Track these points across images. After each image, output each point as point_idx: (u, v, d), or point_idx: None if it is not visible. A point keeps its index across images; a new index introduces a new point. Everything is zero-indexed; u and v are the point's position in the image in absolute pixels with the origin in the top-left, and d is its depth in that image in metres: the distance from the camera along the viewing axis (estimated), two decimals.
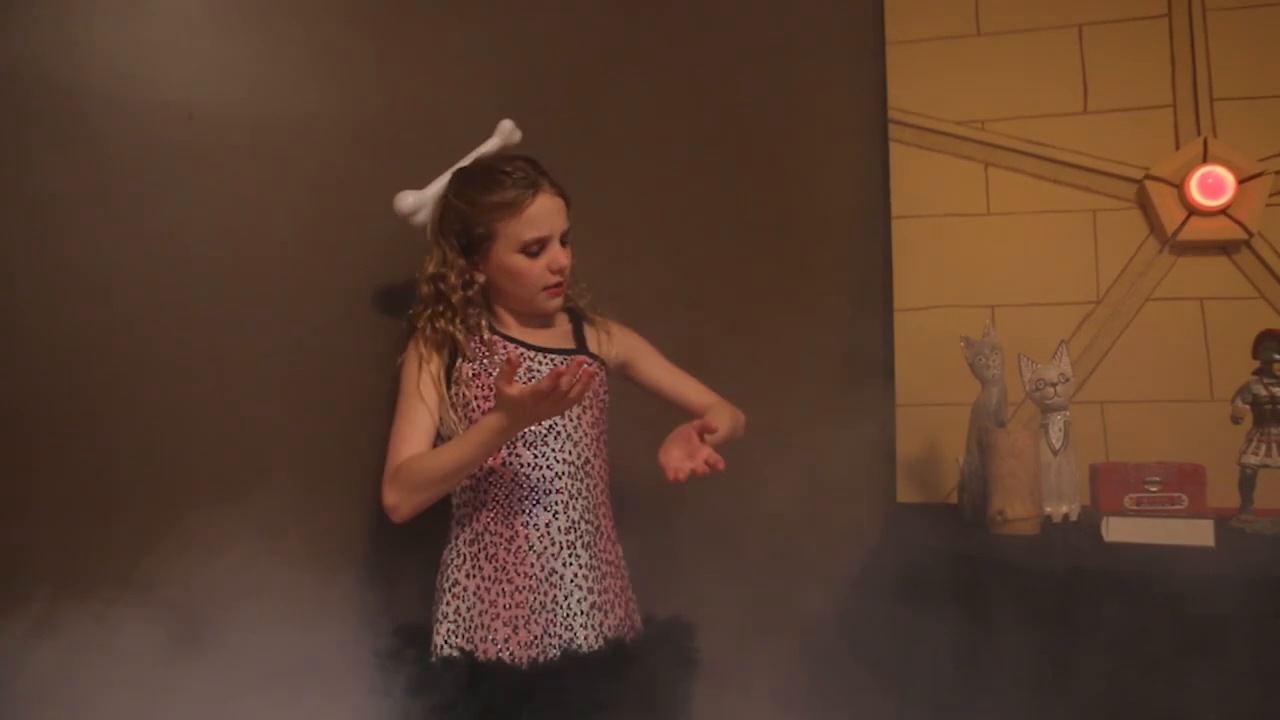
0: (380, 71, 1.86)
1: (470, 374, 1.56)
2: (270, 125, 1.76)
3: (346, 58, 1.83)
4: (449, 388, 1.56)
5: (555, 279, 1.58)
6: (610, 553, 1.63)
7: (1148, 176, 2.15)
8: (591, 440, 1.61)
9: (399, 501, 1.48)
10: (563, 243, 1.58)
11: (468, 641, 1.52)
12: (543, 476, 1.55)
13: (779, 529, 2.02)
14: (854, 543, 2.05)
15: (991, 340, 1.90)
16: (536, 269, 1.55)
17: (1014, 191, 2.25)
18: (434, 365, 1.56)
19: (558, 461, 1.56)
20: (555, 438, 1.56)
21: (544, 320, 1.66)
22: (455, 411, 1.55)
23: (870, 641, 1.81)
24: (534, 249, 1.55)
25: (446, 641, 1.53)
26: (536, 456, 1.55)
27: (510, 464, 1.55)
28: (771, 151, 2.26)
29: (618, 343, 1.73)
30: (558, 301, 1.62)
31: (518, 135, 1.71)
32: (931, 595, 1.61)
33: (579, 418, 1.58)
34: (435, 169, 1.66)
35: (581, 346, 1.67)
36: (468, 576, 1.55)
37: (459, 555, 1.57)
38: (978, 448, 1.86)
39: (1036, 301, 2.20)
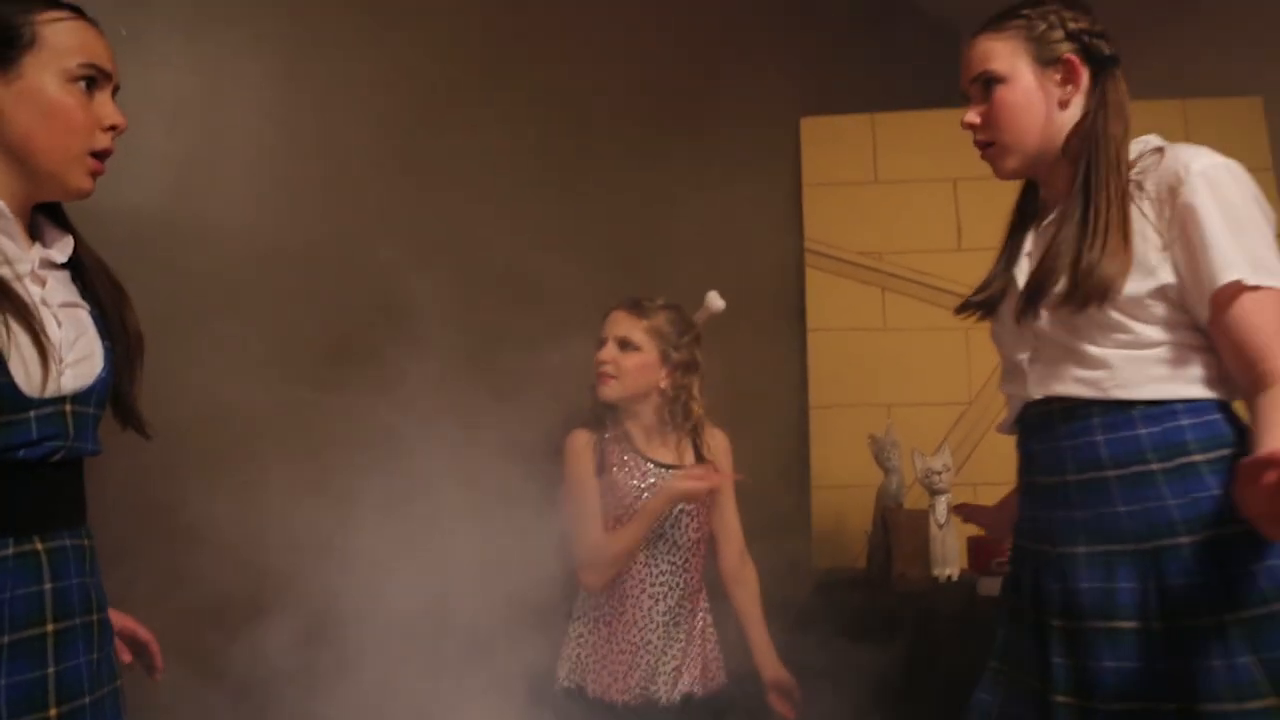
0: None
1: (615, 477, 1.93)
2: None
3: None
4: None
5: (600, 369, 1.95)
6: (696, 624, 1.96)
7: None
8: (692, 544, 1.95)
9: (596, 580, 1.90)
10: (621, 346, 1.95)
11: (581, 679, 1.90)
12: (650, 572, 1.91)
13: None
14: (782, 599, 2.47)
15: (891, 438, 2.39)
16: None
17: (905, 311, 2.78)
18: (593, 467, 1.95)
19: (664, 561, 1.92)
20: (664, 543, 1.92)
21: (664, 435, 2.00)
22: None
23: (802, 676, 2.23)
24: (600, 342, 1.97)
25: (568, 676, 1.91)
26: (648, 557, 1.91)
27: (629, 560, 1.90)
28: (708, 272, 2.70)
29: (719, 458, 2.05)
30: (605, 390, 1.95)
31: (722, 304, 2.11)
32: (850, 638, 2.05)
33: (686, 526, 1.93)
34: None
35: (699, 459, 2.00)
36: (590, 633, 1.92)
37: (584, 615, 1.94)
38: (882, 523, 2.34)
39: (922, 402, 2.71)
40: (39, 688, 1.12)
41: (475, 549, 1.81)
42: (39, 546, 1.15)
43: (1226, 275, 1.23)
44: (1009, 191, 2.79)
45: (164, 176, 1.78)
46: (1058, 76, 1.40)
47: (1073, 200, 1.36)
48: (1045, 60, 1.40)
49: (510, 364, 2.04)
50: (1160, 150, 1.35)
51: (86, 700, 1.16)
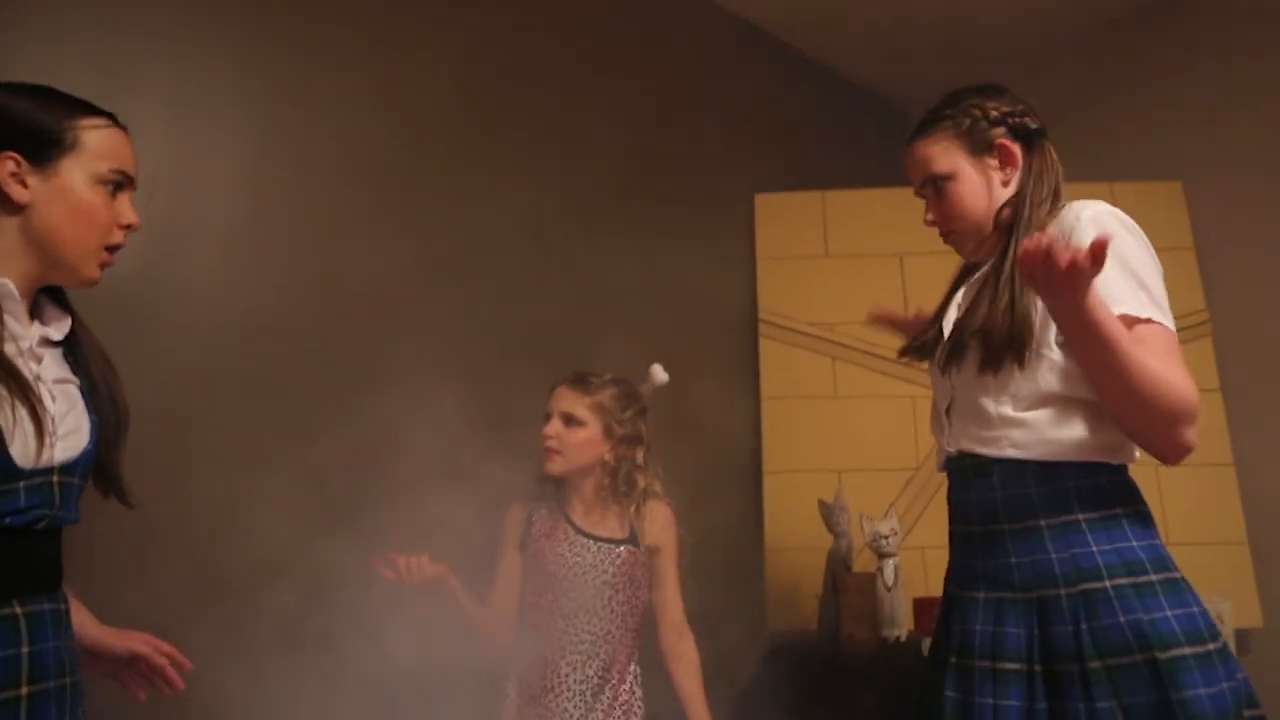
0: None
1: (541, 546, 2.01)
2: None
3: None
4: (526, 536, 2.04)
5: (546, 443, 2.01)
6: (620, 696, 1.98)
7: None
8: (617, 615, 1.98)
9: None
10: (566, 421, 2.01)
11: None
12: (571, 640, 1.94)
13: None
14: (737, 658, 2.53)
15: (841, 503, 2.48)
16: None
17: (854, 380, 2.89)
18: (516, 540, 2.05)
19: (584, 630, 1.95)
20: (584, 613, 1.95)
21: (605, 507, 2.04)
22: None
23: None
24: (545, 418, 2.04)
25: None
26: (569, 625, 1.94)
27: (550, 626, 1.95)
28: (665, 340, 2.80)
29: (657, 532, 2.06)
30: (550, 464, 2.01)
31: (665, 377, 2.17)
32: (802, 699, 2.12)
33: (610, 599, 1.97)
34: None
35: (631, 535, 2.03)
36: (516, 695, 1.96)
37: (513, 679, 1.98)
38: (832, 585, 2.41)
39: (871, 467, 2.81)
40: None
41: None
42: (18, 610, 1.19)
43: (1115, 309, 1.30)
44: (952, 266, 2.96)
45: (141, 243, 1.85)
46: (994, 161, 1.52)
47: (995, 262, 1.47)
48: (980, 150, 1.52)
49: (466, 436, 2.12)
50: (1063, 205, 1.48)
51: None
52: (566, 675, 1.94)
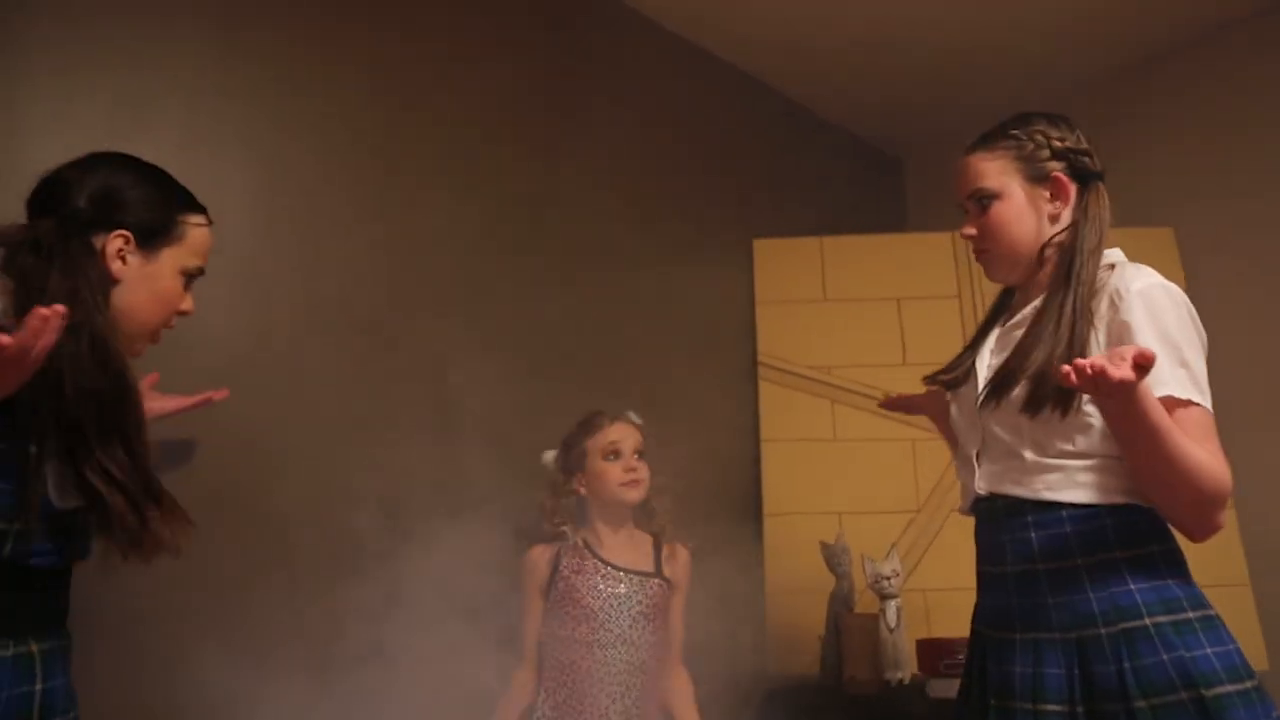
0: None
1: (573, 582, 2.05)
2: None
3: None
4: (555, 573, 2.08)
5: (628, 477, 2.09)
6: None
7: None
8: (650, 646, 2.04)
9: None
10: (639, 456, 2.12)
11: None
12: (608, 671, 1.98)
13: None
14: (738, 701, 2.51)
15: (842, 544, 2.48)
16: (615, 470, 2.09)
17: (854, 423, 2.91)
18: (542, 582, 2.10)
19: (621, 661, 1.99)
20: (622, 644, 2.00)
21: (626, 542, 2.13)
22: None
23: None
24: (610, 455, 2.09)
25: None
26: (607, 657, 1.99)
27: (587, 659, 1.98)
28: (665, 383, 2.83)
29: (678, 569, 2.17)
30: (636, 493, 2.10)
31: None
32: None
33: (644, 629, 2.03)
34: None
35: (658, 569, 2.12)
36: None
37: (542, 714, 1.99)
38: (834, 627, 2.40)
39: (872, 510, 2.81)
40: None
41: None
42: (34, 649, 1.21)
43: (1157, 391, 1.31)
44: (949, 311, 3.01)
45: None
46: (1047, 193, 1.51)
47: (1044, 306, 1.46)
48: (1035, 178, 1.52)
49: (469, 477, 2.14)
50: (1113, 267, 1.46)
51: None
52: (607, 708, 1.97)
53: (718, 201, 3.10)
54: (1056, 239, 1.50)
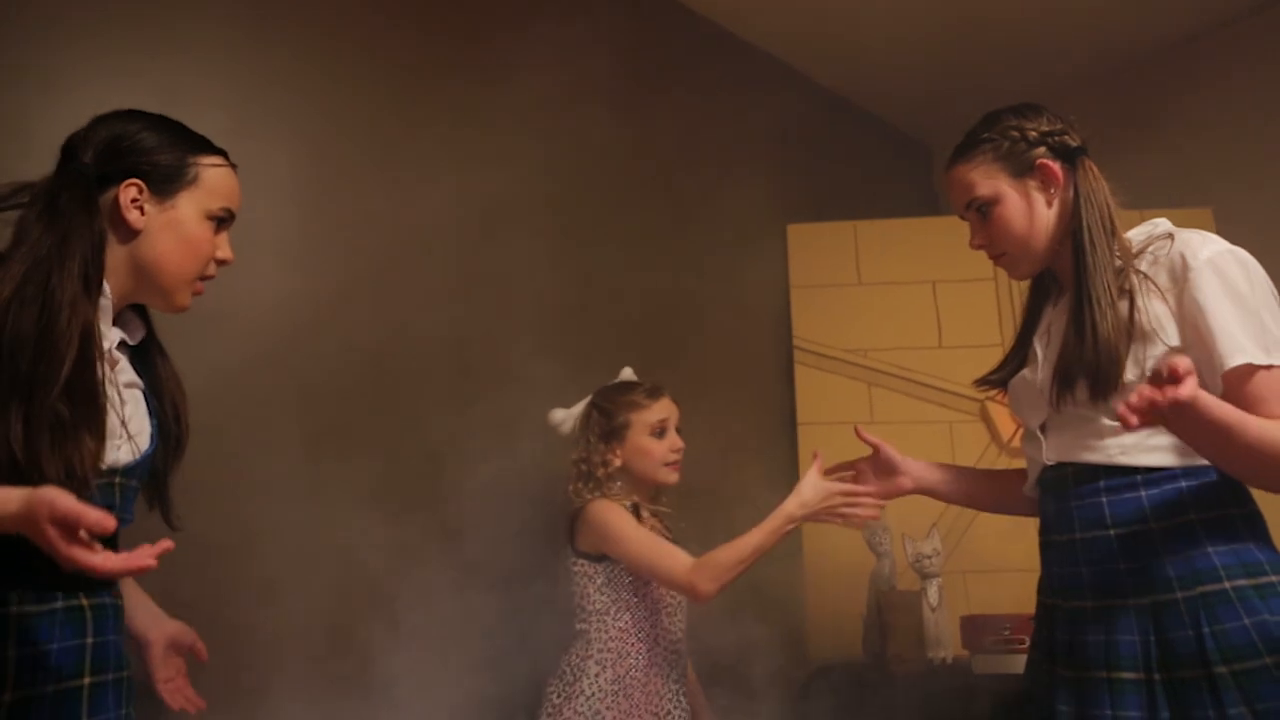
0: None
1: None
2: None
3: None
4: None
5: (674, 457, 2.06)
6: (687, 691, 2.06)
7: (987, 398, 2.83)
8: (687, 614, 2.06)
9: (713, 589, 1.82)
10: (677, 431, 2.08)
11: None
12: (675, 638, 2.01)
13: (724, 676, 2.44)
14: (780, 688, 2.50)
15: (883, 523, 2.48)
16: (661, 448, 2.05)
17: (890, 405, 2.91)
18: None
19: (678, 628, 2.02)
20: (681, 610, 2.02)
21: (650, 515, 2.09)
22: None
23: None
24: (657, 431, 2.06)
25: None
26: (672, 624, 2.00)
27: (656, 627, 1.98)
28: (702, 367, 2.84)
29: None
30: (676, 476, 2.08)
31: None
32: (853, 717, 2.10)
33: (679, 600, 2.02)
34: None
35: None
36: (608, 708, 1.90)
37: (600, 690, 1.91)
38: (876, 607, 2.40)
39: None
40: None
41: None
42: (84, 602, 1.21)
43: (1236, 359, 1.29)
44: (984, 293, 3.00)
45: None
46: (1036, 182, 1.49)
47: (1076, 301, 1.43)
48: (1021, 172, 1.49)
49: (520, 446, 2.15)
50: (1170, 236, 1.43)
51: None
52: (668, 674, 1.97)
53: (752, 189, 3.10)
54: (1062, 223, 1.49)
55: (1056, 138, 1.51)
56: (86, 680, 1.20)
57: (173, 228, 1.30)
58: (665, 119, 2.91)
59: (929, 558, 2.41)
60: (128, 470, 1.27)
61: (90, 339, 1.19)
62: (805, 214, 3.15)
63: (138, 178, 1.27)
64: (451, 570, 2.01)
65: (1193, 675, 1.28)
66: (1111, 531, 1.39)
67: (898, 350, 2.94)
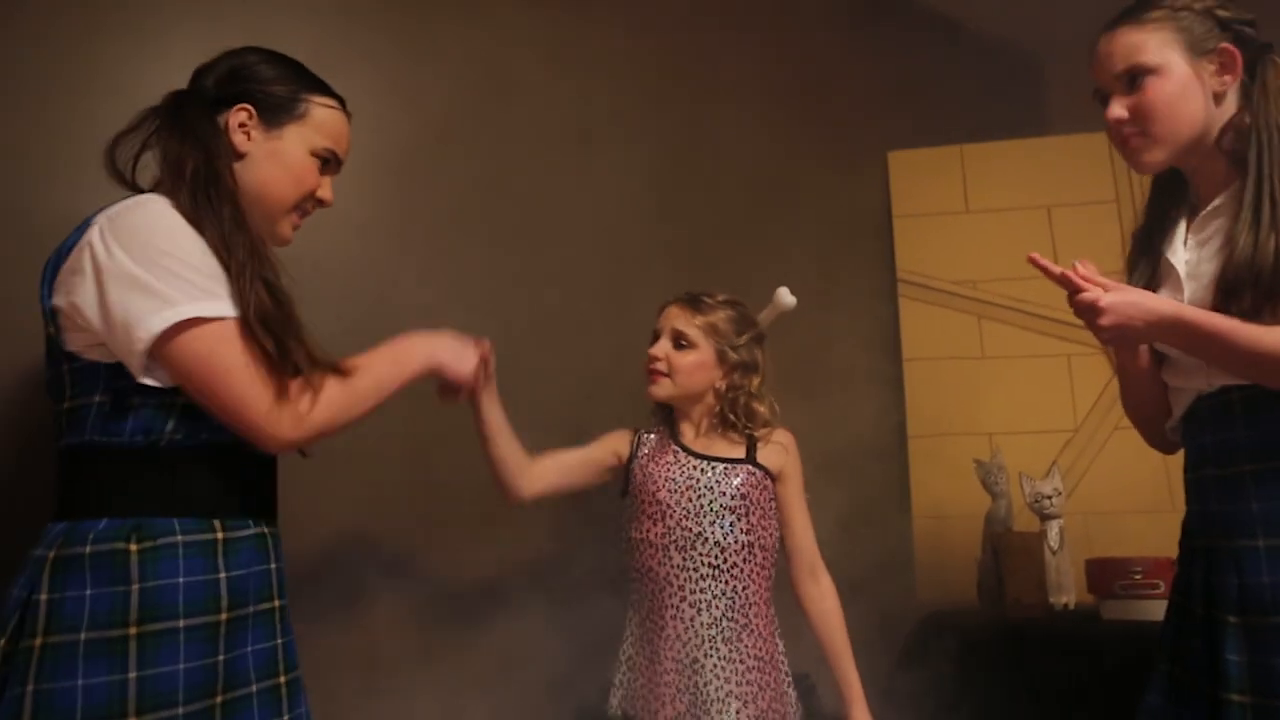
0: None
1: (645, 465, 1.83)
2: None
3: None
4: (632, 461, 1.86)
5: (652, 365, 1.84)
6: (759, 648, 1.74)
7: None
8: (740, 546, 1.75)
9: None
10: (675, 342, 1.83)
11: (631, 708, 1.73)
12: (689, 577, 1.73)
13: None
14: (889, 632, 2.41)
15: (999, 461, 2.34)
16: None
17: (1002, 339, 2.74)
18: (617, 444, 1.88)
19: (704, 564, 1.73)
20: (703, 543, 1.73)
21: (718, 435, 1.85)
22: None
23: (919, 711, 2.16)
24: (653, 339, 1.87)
25: (619, 705, 1.76)
26: (685, 560, 1.73)
27: (664, 564, 1.74)
28: (800, 305, 2.71)
29: (780, 455, 1.85)
30: (655, 387, 1.84)
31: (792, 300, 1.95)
32: (964, 671, 1.99)
33: (731, 525, 1.75)
34: None
35: (750, 456, 1.82)
36: (636, 654, 1.78)
37: (630, 634, 1.80)
38: (992, 549, 2.28)
39: (1025, 430, 2.65)
40: (272, 655, 1.26)
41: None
42: (266, 530, 1.29)
43: None
44: (1106, 216, 2.79)
45: None
46: (1213, 67, 1.34)
47: (1245, 195, 1.30)
48: (1199, 51, 1.34)
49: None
50: None
51: (282, 680, 1.27)
52: (691, 619, 1.72)
53: (847, 114, 2.94)
54: (1237, 121, 1.33)
55: (1244, 26, 1.36)
56: (276, 603, 1.28)
57: (275, 157, 1.34)
58: (755, 50, 2.78)
59: (1049, 498, 2.27)
60: None
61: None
62: (906, 140, 2.97)
63: (250, 103, 1.33)
64: None
65: None
66: (1246, 468, 1.27)
67: (1010, 281, 2.77)
